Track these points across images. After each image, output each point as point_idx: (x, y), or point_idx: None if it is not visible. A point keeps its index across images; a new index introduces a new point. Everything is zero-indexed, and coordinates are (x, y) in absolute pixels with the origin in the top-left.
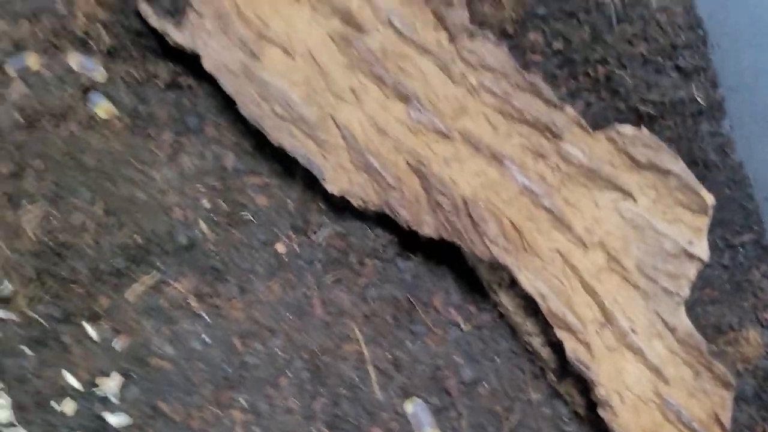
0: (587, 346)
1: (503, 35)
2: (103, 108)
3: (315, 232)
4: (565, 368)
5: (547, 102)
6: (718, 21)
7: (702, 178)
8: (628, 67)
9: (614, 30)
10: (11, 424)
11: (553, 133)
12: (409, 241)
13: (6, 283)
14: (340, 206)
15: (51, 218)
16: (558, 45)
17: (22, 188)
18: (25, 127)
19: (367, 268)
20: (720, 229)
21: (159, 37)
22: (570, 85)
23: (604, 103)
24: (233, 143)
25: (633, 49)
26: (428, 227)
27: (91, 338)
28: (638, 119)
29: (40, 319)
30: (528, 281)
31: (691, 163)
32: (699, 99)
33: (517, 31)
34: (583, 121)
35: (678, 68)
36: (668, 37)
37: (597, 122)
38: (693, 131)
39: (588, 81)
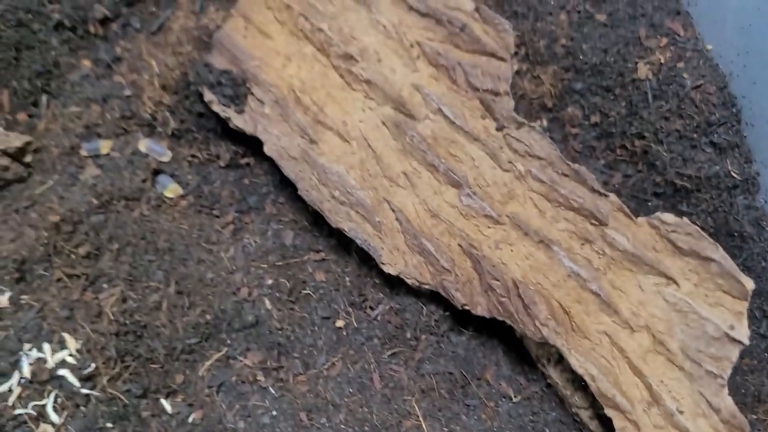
0: (635, 425)
1: (542, 109)
2: (170, 189)
3: (372, 308)
4: None
5: (592, 190)
6: (750, 100)
7: (738, 250)
8: (665, 141)
9: (650, 106)
10: None
11: (598, 220)
12: (460, 316)
13: (90, 360)
14: (394, 282)
15: (128, 299)
16: (595, 119)
17: (101, 270)
18: (99, 210)
19: (422, 343)
20: (758, 300)
21: (219, 119)
22: (608, 158)
23: (642, 175)
24: (291, 220)
25: (669, 125)
26: (481, 308)
27: (168, 413)
28: (675, 192)
29: (120, 395)
30: (578, 363)
31: (727, 235)
32: (734, 174)
33: (555, 105)
34: (626, 209)
35: (713, 144)
36: (703, 114)
37: (635, 194)
38: (728, 204)
39: (625, 154)
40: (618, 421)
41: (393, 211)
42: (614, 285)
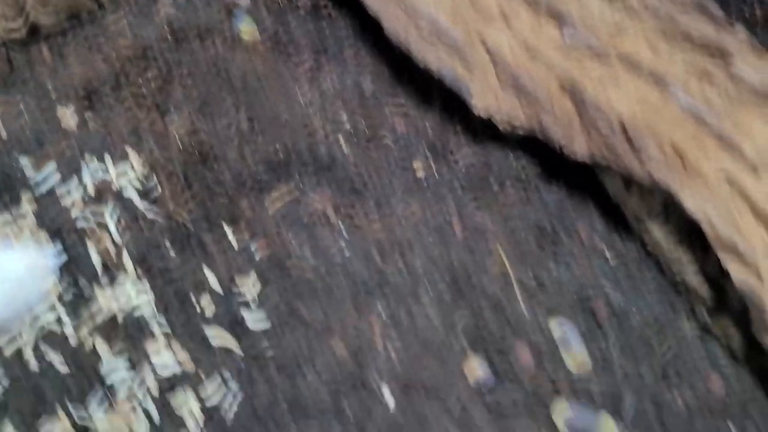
0: (756, 272)
1: None
2: (246, 30)
3: (453, 155)
4: (722, 305)
5: (716, 22)
6: None
7: None
8: None
9: None
10: (153, 317)
11: (721, 54)
12: (550, 168)
13: (156, 183)
14: (478, 131)
15: (199, 131)
16: None
17: (171, 98)
18: (172, 43)
19: (509, 192)
20: None
21: None
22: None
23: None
24: (371, 69)
25: None
26: (581, 147)
27: (231, 242)
28: None
29: (184, 221)
30: (694, 204)
31: None
32: None
33: None
34: (756, 43)
35: None
36: None
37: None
38: None
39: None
40: (737, 271)
41: (487, 49)
42: (738, 124)
